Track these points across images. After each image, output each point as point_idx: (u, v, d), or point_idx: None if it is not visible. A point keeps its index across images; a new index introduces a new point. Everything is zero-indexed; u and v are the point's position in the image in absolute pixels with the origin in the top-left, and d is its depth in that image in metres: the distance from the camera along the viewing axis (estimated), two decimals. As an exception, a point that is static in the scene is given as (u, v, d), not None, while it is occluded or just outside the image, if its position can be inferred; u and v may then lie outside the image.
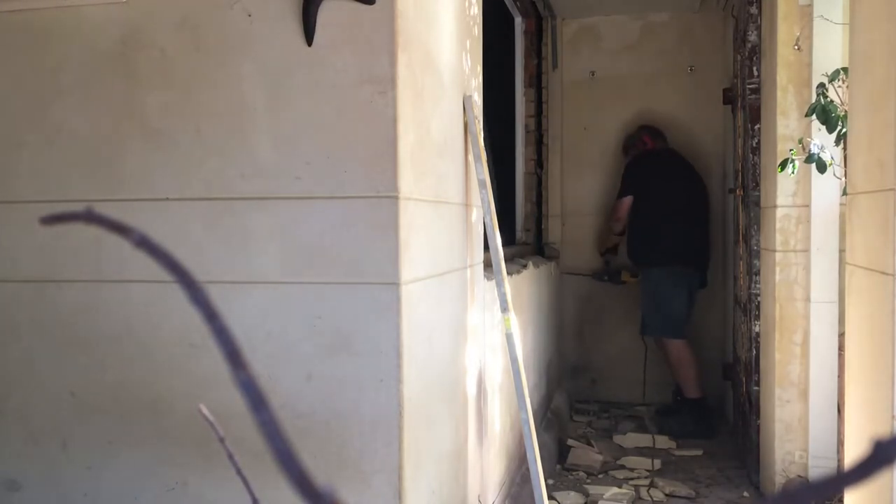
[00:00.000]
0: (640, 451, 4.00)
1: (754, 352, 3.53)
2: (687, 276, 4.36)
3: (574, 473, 3.69)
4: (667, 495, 3.40)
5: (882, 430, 1.83)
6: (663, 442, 4.13)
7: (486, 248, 2.51)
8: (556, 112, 4.96)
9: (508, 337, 2.38)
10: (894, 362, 1.75)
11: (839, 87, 2.77)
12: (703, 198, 4.52)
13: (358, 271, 1.72)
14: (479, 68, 2.62)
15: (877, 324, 1.89)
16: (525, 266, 3.64)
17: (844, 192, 2.58)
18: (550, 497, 3.21)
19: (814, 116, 2.80)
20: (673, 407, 4.46)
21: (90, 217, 0.38)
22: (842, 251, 3.02)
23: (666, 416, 4.43)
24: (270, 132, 1.77)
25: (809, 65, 3.08)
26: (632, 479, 3.59)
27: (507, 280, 2.41)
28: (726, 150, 4.63)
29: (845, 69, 2.62)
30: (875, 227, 1.90)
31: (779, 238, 3.20)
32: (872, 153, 1.92)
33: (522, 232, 4.59)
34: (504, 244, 2.51)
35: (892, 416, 1.77)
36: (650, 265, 4.43)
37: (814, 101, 2.86)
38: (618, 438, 4.17)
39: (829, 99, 2.77)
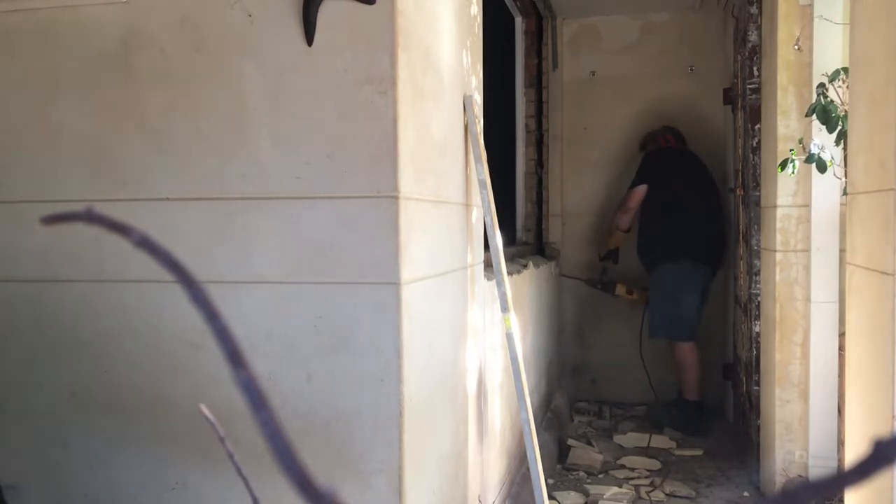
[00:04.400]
0: (640, 451, 4.00)
1: (754, 352, 3.53)
2: (699, 273, 4.32)
3: (574, 473, 3.69)
4: (667, 495, 3.40)
5: (882, 430, 1.83)
6: (663, 442, 4.13)
7: (487, 247, 2.51)
8: (557, 112, 4.96)
9: (508, 337, 2.38)
10: (894, 362, 1.75)
11: (839, 87, 2.77)
12: (717, 197, 4.47)
13: (358, 271, 1.72)
14: (480, 68, 2.62)
15: (877, 324, 1.89)
16: (525, 266, 3.64)
17: (845, 192, 2.58)
18: (551, 497, 3.21)
19: (814, 116, 2.80)
20: (673, 402, 4.47)
21: (90, 217, 0.38)
22: (842, 251, 3.02)
23: (659, 409, 4.45)
24: (270, 132, 1.77)
25: (810, 65, 3.08)
26: (632, 478, 3.59)
27: (507, 280, 2.41)
28: (726, 150, 4.63)
29: (845, 69, 2.62)
30: (875, 227, 1.90)
31: (779, 238, 3.20)
32: (873, 153, 1.92)
33: (523, 232, 4.59)
34: (504, 244, 2.51)
35: (893, 416, 1.77)
36: (662, 261, 4.35)
37: (814, 101, 2.86)
38: (618, 438, 4.17)
39: (829, 99, 2.78)
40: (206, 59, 1.80)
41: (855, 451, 2.18)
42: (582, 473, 3.67)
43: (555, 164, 4.96)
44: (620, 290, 4.68)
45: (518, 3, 4.40)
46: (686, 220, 4.29)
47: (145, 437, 1.86)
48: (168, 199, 1.83)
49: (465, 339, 2.31)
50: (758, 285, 3.49)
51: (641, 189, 4.38)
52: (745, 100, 3.57)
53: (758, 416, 3.49)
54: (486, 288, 2.60)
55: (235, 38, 1.78)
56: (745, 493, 3.45)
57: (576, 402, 4.86)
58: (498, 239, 2.39)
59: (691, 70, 4.88)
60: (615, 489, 3.39)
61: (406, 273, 1.73)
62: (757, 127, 3.47)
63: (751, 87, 3.49)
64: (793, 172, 2.99)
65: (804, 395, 3.18)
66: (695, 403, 4.33)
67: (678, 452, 4.02)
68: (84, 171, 1.87)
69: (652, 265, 4.45)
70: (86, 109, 1.87)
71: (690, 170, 4.44)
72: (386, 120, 1.70)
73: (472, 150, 2.36)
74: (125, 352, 1.86)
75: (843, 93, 2.69)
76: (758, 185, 3.49)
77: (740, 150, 3.82)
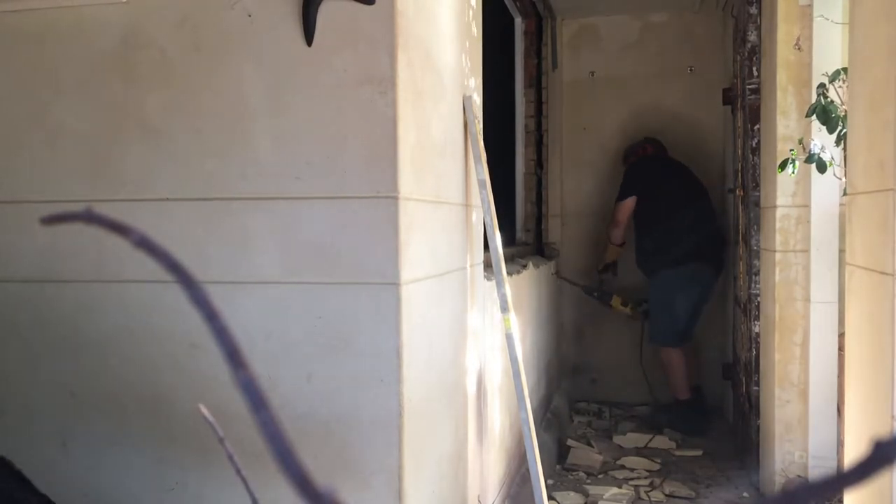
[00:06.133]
0: (639, 451, 4.00)
1: (754, 352, 3.53)
2: (700, 274, 4.31)
3: (574, 473, 3.69)
4: (667, 495, 3.39)
5: (882, 430, 1.83)
6: (663, 442, 4.13)
7: (486, 248, 2.51)
8: (556, 112, 4.96)
9: (508, 337, 2.38)
10: (894, 362, 1.75)
11: (839, 87, 2.77)
12: (706, 196, 4.47)
13: (358, 271, 1.72)
14: (479, 68, 2.62)
15: (877, 324, 1.89)
16: (525, 266, 3.64)
17: (844, 192, 2.58)
18: (550, 497, 3.21)
19: (814, 117, 2.80)
20: (669, 405, 4.48)
21: (90, 217, 0.38)
22: (842, 251, 3.02)
23: (657, 412, 4.47)
24: (270, 132, 1.77)
25: (809, 65, 3.08)
26: (632, 479, 3.59)
27: (506, 280, 2.41)
28: (726, 150, 4.63)
29: (845, 69, 2.62)
30: (875, 227, 1.90)
31: (779, 238, 3.20)
32: (872, 153, 1.92)
33: (522, 232, 4.59)
34: (504, 244, 2.51)
35: (892, 416, 1.77)
36: (660, 269, 4.35)
37: (814, 101, 2.86)
38: (618, 438, 4.17)
39: (829, 99, 2.77)
40: (206, 59, 1.80)
41: (855, 451, 2.18)
42: (581, 474, 3.67)
43: (554, 164, 4.96)
44: (616, 302, 4.67)
45: (518, 4, 4.40)
46: (679, 224, 4.29)
47: (145, 438, 1.86)
48: (168, 199, 1.83)
49: (465, 339, 2.31)
50: (757, 285, 3.49)
51: (629, 202, 4.39)
52: (745, 100, 3.57)
53: (757, 416, 3.49)
54: (485, 288, 2.60)
55: (235, 38, 1.78)
56: (745, 494, 3.45)
57: (575, 403, 4.86)
58: (497, 239, 2.39)
59: (691, 70, 4.87)
60: (615, 489, 3.39)
61: (406, 273, 1.73)
62: (756, 127, 3.47)
63: (750, 87, 3.49)
64: (793, 173, 2.98)
65: (804, 396, 3.18)
66: (687, 402, 4.35)
67: (678, 453, 4.02)
68: (84, 171, 1.87)
69: (651, 273, 4.45)
70: (86, 109, 1.86)
71: (674, 174, 4.44)
72: (386, 120, 1.70)
73: (472, 150, 2.36)
74: (125, 352, 1.86)
75: (843, 93, 2.68)
76: (757, 185, 3.49)
77: (740, 151, 3.82)
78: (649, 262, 4.43)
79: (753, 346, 3.54)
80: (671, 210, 4.31)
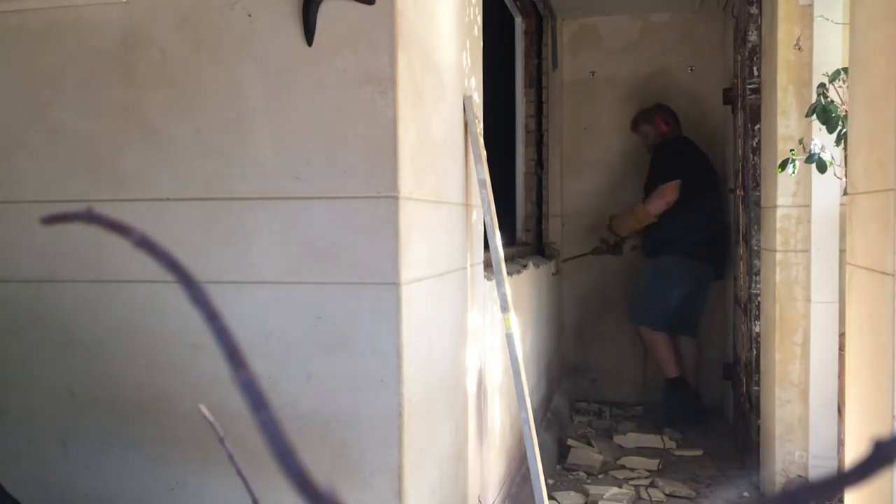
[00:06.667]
0: (640, 451, 4.00)
1: (754, 352, 3.53)
2: (694, 270, 4.36)
3: (574, 473, 3.69)
4: (667, 495, 3.39)
5: (882, 430, 1.83)
6: (663, 442, 4.13)
7: (487, 247, 2.51)
8: (556, 112, 4.96)
9: (508, 337, 2.38)
10: (894, 362, 1.75)
11: (839, 87, 2.77)
12: (718, 189, 4.51)
13: (358, 271, 1.72)
14: (479, 68, 2.62)
15: (877, 324, 1.89)
16: (525, 266, 3.64)
17: (845, 192, 2.58)
18: (550, 497, 3.21)
19: (814, 116, 2.80)
20: (662, 395, 4.51)
21: (90, 217, 0.38)
22: (842, 251, 3.01)
23: (656, 408, 4.51)
24: (270, 132, 1.77)
25: (809, 65, 3.08)
26: (632, 479, 3.59)
27: (507, 280, 2.41)
28: (726, 150, 4.63)
29: (845, 69, 2.62)
30: (875, 227, 1.90)
31: (779, 238, 3.20)
32: (872, 153, 1.92)
33: (522, 232, 4.59)
34: (504, 244, 2.51)
35: (892, 416, 1.77)
36: (662, 254, 4.42)
37: (814, 101, 2.86)
38: (618, 438, 4.17)
39: (829, 99, 2.77)
40: (206, 60, 1.80)
41: (855, 451, 2.18)
42: (582, 473, 3.67)
43: (555, 164, 4.96)
44: (625, 231, 4.69)
45: (518, 4, 4.39)
46: (692, 217, 4.32)
47: (145, 438, 1.86)
48: (168, 199, 1.83)
49: (465, 339, 2.31)
50: (758, 285, 3.49)
51: (676, 183, 4.33)
52: (745, 100, 3.57)
53: (758, 416, 3.49)
54: (485, 288, 2.60)
55: (235, 38, 1.78)
56: (745, 494, 3.44)
57: (576, 402, 4.86)
58: (498, 239, 2.39)
59: (691, 70, 4.87)
60: (615, 489, 3.39)
61: (406, 273, 1.73)
62: (757, 127, 3.47)
63: (751, 87, 3.49)
64: (793, 172, 2.98)
65: (804, 395, 3.18)
66: (676, 380, 4.39)
67: (678, 452, 4.02)
68: (84, 171, 1.87)
69: (652, 255, 4.51)
70: (86, 109, 1.86)
71: (702, 167, 4.47)
72: (386, 120, 1.70)
73: (472, 150, 2.36)
74: (125, 352, 1.86)
75: (843, 93, 2.68)
76: (758, 185, 3.49)
77: (740, 151, 3.82)
78: (654, 245, 4.48)
79: (754, 345, 3.54)
80: (689, 201, 4.33)
